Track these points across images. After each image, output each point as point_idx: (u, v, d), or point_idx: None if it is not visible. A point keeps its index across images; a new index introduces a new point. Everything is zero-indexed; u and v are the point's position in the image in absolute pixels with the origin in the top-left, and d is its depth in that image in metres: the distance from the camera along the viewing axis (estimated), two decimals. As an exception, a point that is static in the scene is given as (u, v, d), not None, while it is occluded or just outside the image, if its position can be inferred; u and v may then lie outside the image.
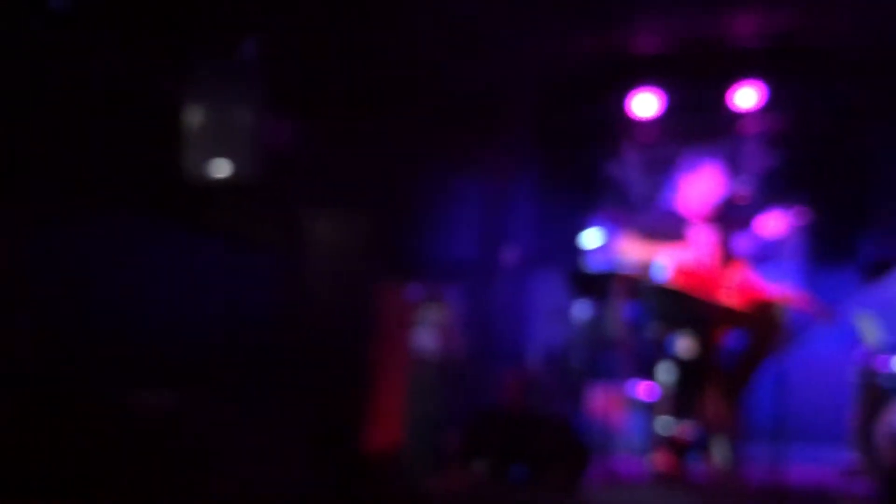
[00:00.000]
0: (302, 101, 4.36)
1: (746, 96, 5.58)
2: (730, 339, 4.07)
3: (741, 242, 4.17)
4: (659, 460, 3.99)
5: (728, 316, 3.98)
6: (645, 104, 5.75)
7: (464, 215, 5.35)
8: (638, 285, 4.01)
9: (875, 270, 5.30)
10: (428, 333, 3.78)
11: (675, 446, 3.97)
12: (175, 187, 3.75)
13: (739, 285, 4.04)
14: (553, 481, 3.29)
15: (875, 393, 4.33)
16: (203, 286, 3.85)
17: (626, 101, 5.76)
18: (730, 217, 4.21)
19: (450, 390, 3.78)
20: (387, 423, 3.80)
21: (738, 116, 5.69)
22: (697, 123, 5.73)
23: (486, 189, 5.53)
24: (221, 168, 3.61)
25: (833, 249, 5.15)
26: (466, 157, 5.35)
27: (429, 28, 4.61)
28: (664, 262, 4.04)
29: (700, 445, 4.02)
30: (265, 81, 3.82)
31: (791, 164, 5.58)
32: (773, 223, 4.04)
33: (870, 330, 4.42)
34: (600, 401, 4.83)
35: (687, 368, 3.96)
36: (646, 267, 4.07)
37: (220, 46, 3.85)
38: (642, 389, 4.59)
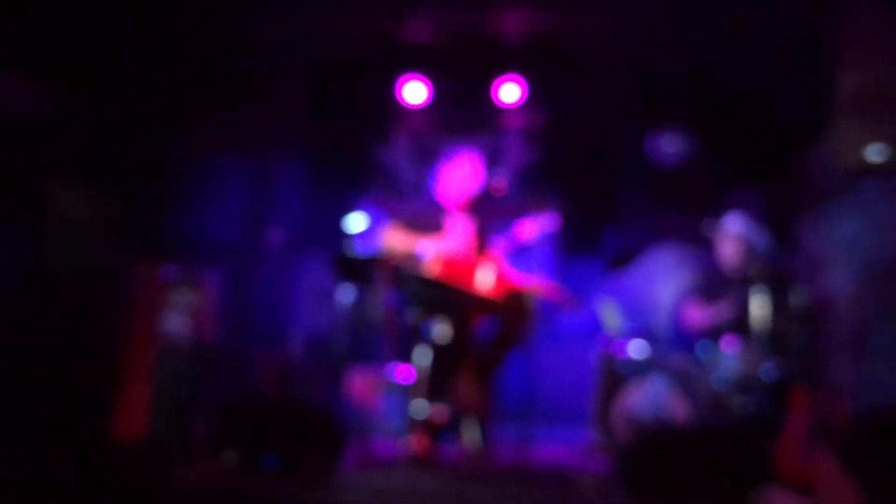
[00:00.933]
0: (49, 66, 4.02)
1: (510, 91, 5.80)
2: (483, 325, 4.23)
3: (496, 233, 4.34)
4: (414, 442, 4.07)
5: (481, 303, 4.14)
6: (414, 92, 5.83)
7: (227, 196, 5.18)
8: (399, 272, 4.07)
9: (617, 261, 5.71)
10: (179, 317, 3.62)
11: (429, 428, 4.07)
12: None
13: (493, 274, 4.21)
14: (306, 468, 3.26)
15: (613, 377, 4.66)
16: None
17: (397, 87, 5.81)
18: (486, 208, 4.37)
19: (201, 376, 3.64)
20: (133, 410, 3.61)
21: (501, 111, 5.89)
22: (463, 115, 5.89)
23: (252, 170, 5.38)
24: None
25: (581, 241, 5.48)
26: (232, 137, 5.17)
27: (198, 3, 4.40)
28: (424, 250, 4.13)
29: (453, 427, 4.14)
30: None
31: (547, 158, 5.87)
32: (529, 223, 4.24)
33: (611, 317, 4.74)
34: (360, 384, 4.86)
35: (442, 353, 4.07)
36: (407, 254, 4.14)
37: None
38: (400, 373, 4.66)
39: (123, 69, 4.17)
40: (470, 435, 4.11)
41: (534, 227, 4.25)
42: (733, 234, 4.75)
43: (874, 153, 3.24)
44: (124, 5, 4.17)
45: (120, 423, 3.64)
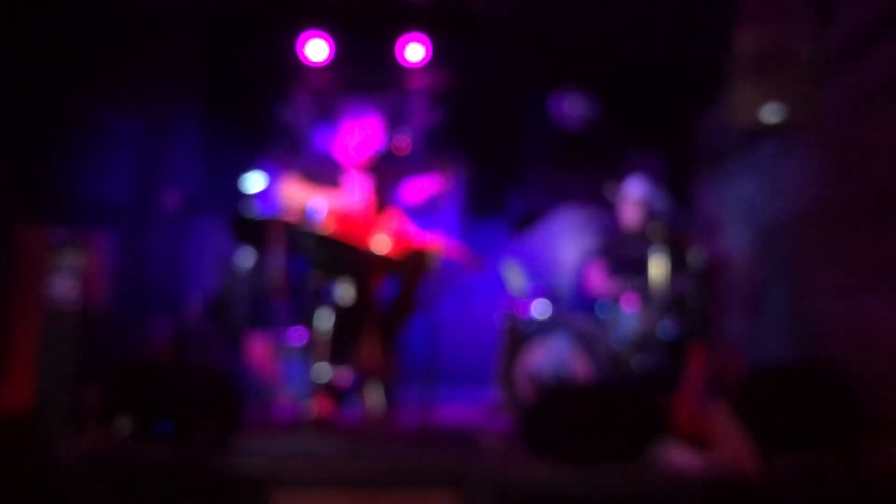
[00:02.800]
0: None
1: (414, 51, 5.70)
2: (385, 286, 4.17)
3: (397, 192, 4.28)
4: (316, 406, 4.01)
5: (381, 263, 4.07)
6: (316, 49, 5.67)
7: (118, 155, 4.94)
8: (296, 231, 3.96)
9: (521, 223, 5.73)
10: (66, 280, 3.44)
11: (331, 392, 4.02)
12: None
13: (393, 233, 4.14)
14: (202, 434, 3.16)
15: (516, 336, 4.69)
16: None
17: (298, 44, 5.65)
18: (386, 167, 4.29)
19: (91, 341, 3.48)
20: (17, 379, 3.43)
21: (405, 70, 5.80)
22: (366, 74, 5.77)
23: (145, 128, 5.15)
24: None
25: (485, 203, 5.48)
26: (122, 93, 4.93)
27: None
28: (321, 205, 4.03)
29: (356, 390, 4.10)
30: None
31: (451, 120, 5.82)
32: (432, 180, 4.18)
33: (515, 278, 4.76)
34: (259, 349, 4.75)
35: (343, 315, 4.01)
36: (304, 211, 4.03)
37: None
38: (301, 337, 4.58)
39: (4, 21, 3.91)
40: (373, 397, 4.07)
41: (431, 186, 4.20)
42: (634, 199, 4.82)
43: (770, 113, 3.31)
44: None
45: (4, 394, 3.46)
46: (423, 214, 4.29)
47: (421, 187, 4.24)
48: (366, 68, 5.78)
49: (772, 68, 3.27)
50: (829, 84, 3.46)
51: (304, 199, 4.05)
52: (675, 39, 4.61)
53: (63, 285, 3.43)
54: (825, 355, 3.50)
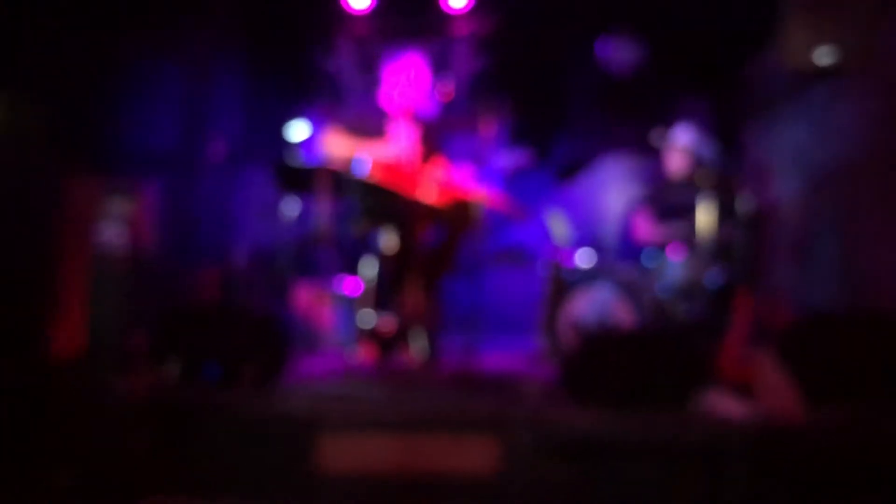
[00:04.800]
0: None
1: (457, -2, 5.64)
2: (429, 234, 4.17)
3: (443, 140, 4.25)
4: (361, 353, 4.06)
5: (426, 211, 4.06)
6: (358, -3, 5.63)
7: (164, 106, 4.98)
8: (341, 179, 3.97)
9: (566, 172, 5.68)
10: (115, 227, 3.50)
11: (376, 338, 4.06)
12: None
13: (438, 182, 4.13)
14: (248, 378, 3.22)
15: (560, 285, 4.67)
16: None
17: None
18: (432, 114, 4.26)
19: (139, 287, 3.55)
20: (69, 324, 3.52)
21: (448, 17, 5.73)
22: (409, 21, 5.71)
23: (190, 78, 5.17)
24: None
25: (530, 150, 5.42)
26: (167, 43, 4.94)
27: None
28: (366, 157, 4.02)
29: (400, 337, 4.13)
30: None
31: (496, 66, 5.75)
32: (481, 126, 4.13)
33: (559, 228, 4.72)
34: (305, 298, 4.81)
35: (388, 263, 4.02)
36: (349, 162, 4.03)
37: None
38: (347, 285, 4.61)
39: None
40: (417, 344, 4.10)
41: (484, 126, 4.14)
42: (681, 147, 4.74)
43: (822, 55, 3.20)
44: None
45: (57, 339, 3.55)
46: (474, 162, 4.24)
47: (471, 138, 4.19)
48: (409, 15, 5.72)
49: (824, 9, 3.16)
50: (882, 26, 3.33)
51: (349, 151, 4.04)
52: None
53: (112, 233, 3.49)
54: (874, 304, 3.43)
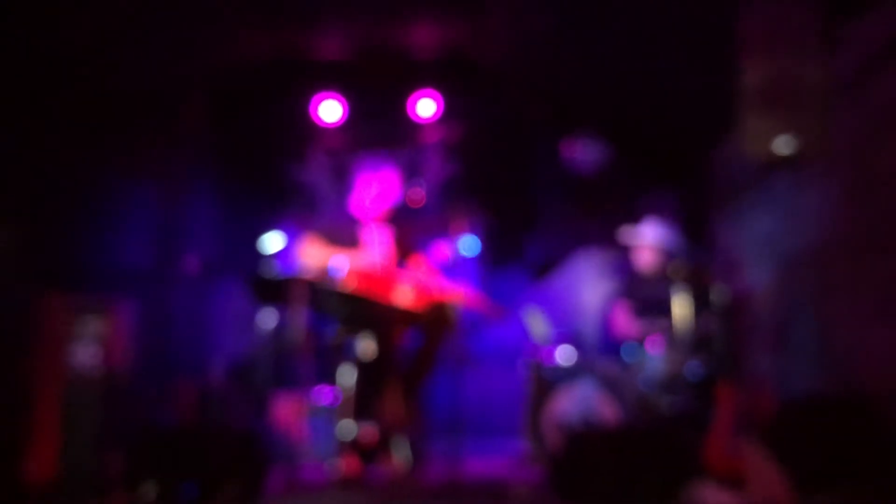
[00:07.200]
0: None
1: (425, 106, 5.78)
2: (407, 339, 4.15)
3: (416, 244, 4.29)
4: (343, 464, 3.96)
5: (403, 316, 4.05)
6: (329, 110, 5.76)
7: (136, 221, 5.00)
8: (316, 289, 3.96)
9: (540, 270, 5.72)
10: (89, 347, 3.45)
11: (358, 449, 3.97)
12: None
13: (413, 286, 4.14)
14: (227, 497, 3.13)
15: (542, 384, 4.63)
16: None
17: (311, 106, 5.73)
18: (404, 220, 4.31)
19: (114, 408, 3.48)
20: (42, 448, 3.42)
21: (418, 126, 5.87)
22: (380, 131, 5.84)
23: (163, 195, 5.21)
24: None
25: (503, 252, 5.47)
26: (140, 162, 5.01)
27: (91, 20, 4.24)
28: (341, 265, 4.04)
29: (382, 446, 4.05)
30: None
31: (466, 171, 5.86)
32: (447, 242, 4.19)
33: (537, 325, 4.72)
34: (284, 410, 4.72)
35: (367, 370, 3.98)
36: (324, 270, 4.04)
37: None
38: (326, 395, 4.55)
39: (17, 93, 3.99)
40: (400, 453, 4.02)
41: (452, 245, 4.20)
42: (648, 243, 4.82)
43: (782, 145, 3.29)
44: (14, 28, 4.00)
45: (29, 463, 3.45)
46: (449, 267, 4.27)
47: (438, 247, 4.24)
48: (379, 126, 5.85)
49: (781, 99, 3.27)
50: (839, 112, 3.45)
51: (324, 260, 4.07)
52: (683, 78, 4.64)
53: (85, 353, 3.45)
54: (855, 386, 3.43)
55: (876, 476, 2.95)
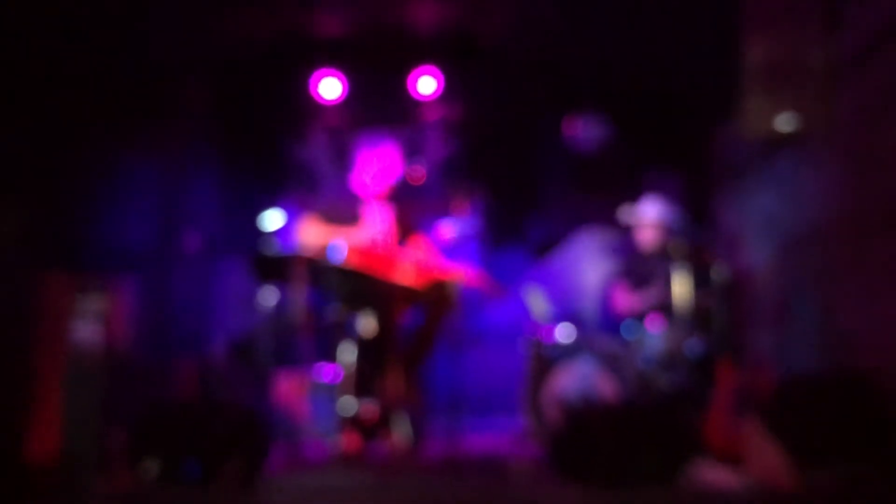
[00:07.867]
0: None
1: (426, 84, 5.75)
2: (408, 316, 4.16)
3: (417, 222, 4.29)
4: (344, 441, 3.98)
5: (404, 293, 4.06)
6: (329, 88, 5.74)
7: (138, 200, 4.99)
8: (317, 266, 3.96)
9: (541, 249, 5.72)
10: (90, 325, 3.46)
11: (359, 426, 3.99)
12: None
13: (414, 263, 4.14)
14: (230, 474, 3.15)
15: (542, 362, 4.65)
16: None
17: (310, 84, 5.71)
18: (404, 197, 4.31)
19: (116, 385, 3.49)
20: (44, 426, 3.44)
21: (418, 104, 5.84)
22: (380, 109, 5.81)
23: (163, 173, 5.20)
24: None
25: (504, 231, 5.48)
26: (141, 141, 4.99)
27: (92, 3, 4.22)
28: (342, 243, 4.04)
29: (383, 423, 4.07)
30: None
31: (467, 150, 5.84)
32: (449, 222, 4.19)
33: (537, 304, 4.73)
34: (286, 388, 4.74)
35: (367, 348, 3.99)
36: (325, 249, 4.04)
37: None
38: (327, 372, 4.57)
39: (20, 75, 3.98)
40: (400, 430, 4.04)
41: (454, 225, 4.20)
42: (649, 221, 4.81)
43: (783, 123, 3.28)
44: (15, 13, 3.98)
45: (31, 440, 3.47)
46: (451, 245, 4.27)
47: (440, 228, 4.23)
48: (379, 104, 5.82)
49: (783, 78, 3.26)
50: (841, 91, 3.43)
51: (324, 238, 4.07)
52: (686, 56, 4.62)
53: (87, 330, 3.45)
54: (855, 364, 3.44)
55: (875, 454, 2.97)
